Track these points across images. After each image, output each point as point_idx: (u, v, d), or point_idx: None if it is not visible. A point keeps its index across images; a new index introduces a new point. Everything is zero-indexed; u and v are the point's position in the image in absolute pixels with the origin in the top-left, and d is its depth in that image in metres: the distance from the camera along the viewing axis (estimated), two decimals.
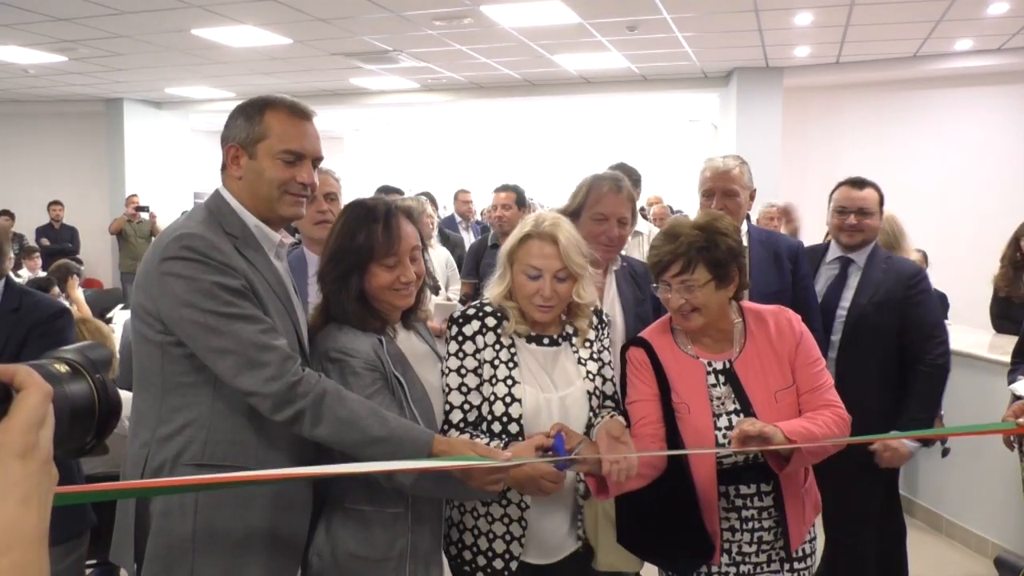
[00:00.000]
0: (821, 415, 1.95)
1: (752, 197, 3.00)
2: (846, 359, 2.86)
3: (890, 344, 2.88)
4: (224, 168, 1.82)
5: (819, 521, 2.21)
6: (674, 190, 11.39)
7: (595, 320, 2.16)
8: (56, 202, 10.93)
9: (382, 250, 1.86)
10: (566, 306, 2.09)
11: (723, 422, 1.99)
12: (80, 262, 8.32)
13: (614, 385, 2.16)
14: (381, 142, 15.59)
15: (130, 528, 1.72)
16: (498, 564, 1.99)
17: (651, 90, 10.46)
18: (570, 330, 2.11)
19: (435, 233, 4.60)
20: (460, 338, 2.03)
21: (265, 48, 8.15)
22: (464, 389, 2.00)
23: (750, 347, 2.04)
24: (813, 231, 5.49)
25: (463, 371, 2.00)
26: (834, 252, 3.07)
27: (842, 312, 2.92)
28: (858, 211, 2.97)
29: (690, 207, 8.57)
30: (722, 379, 2.03)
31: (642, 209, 8.67)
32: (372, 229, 1.87)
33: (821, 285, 3.01)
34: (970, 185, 8.94)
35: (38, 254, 8.78)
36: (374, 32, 7.60)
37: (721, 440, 1.98)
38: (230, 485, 1.65)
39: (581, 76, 10.02)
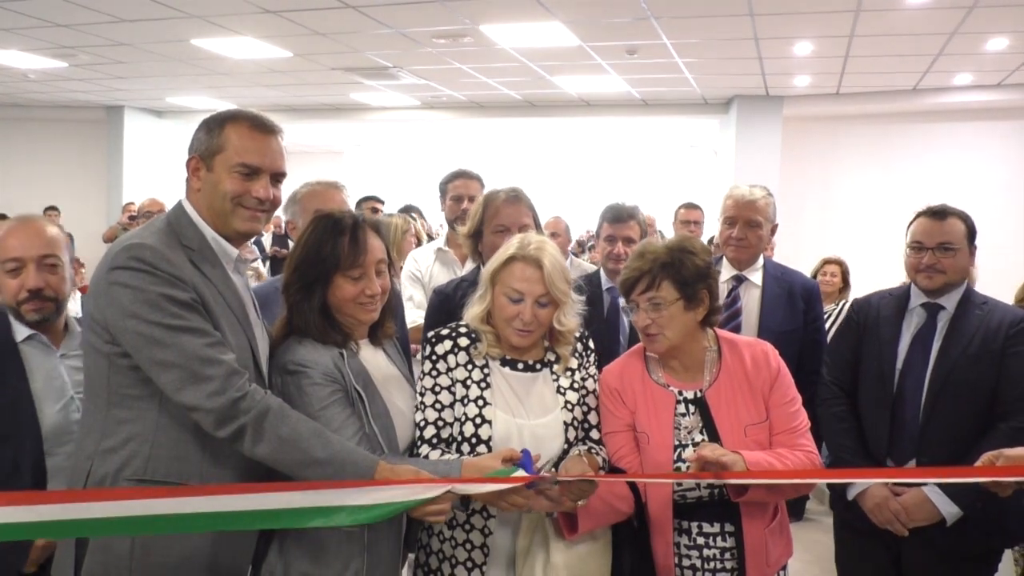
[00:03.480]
0: (792, 454, 1.90)
1: (773, 232, 2.92)
2: (934, 424, 2.35)
3: (986, 405, 2.34)
4: (187, 180, 1.81)
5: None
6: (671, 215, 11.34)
7: (579, 347, 2.10)
8: (52, 207, 10.89)
9: (347, 261, 1.84)
10: (547, 332, 2.04)
11: (688, 453, 1.93)
12: (82, 264, 8.30)
13: (598, 415, 2.11)
14: (381, 158, 15.60)
15: (71, 543, 1.67)
16: None
17: (651, 114, 10.47)
18: (552, 357, 2.06)
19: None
20: (433, 357, 2.00)
21: (265, 60, 8.16)
22: (438, 406, 1.96)
23: (723, 377, 1.99)
24: (810, 263, 5.45)
25: (437, 388, 1.97)
26: (918, 298, 2.48)
27: (929, 368, 2.40)
28: (939, 247, 2.41)
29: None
30: (692, 408, 1.98)
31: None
32: (338, 241, 1.84)
33: (907, 339, 2.45)
34: None
35: None
36: (374, 48, 7.61)
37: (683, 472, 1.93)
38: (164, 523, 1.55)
39: (581, 98, 10.04)
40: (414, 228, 4.40)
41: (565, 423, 1.99)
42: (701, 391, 1.99)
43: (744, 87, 9.02)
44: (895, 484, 2.35)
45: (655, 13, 6.14)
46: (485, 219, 2.60)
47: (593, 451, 2.03)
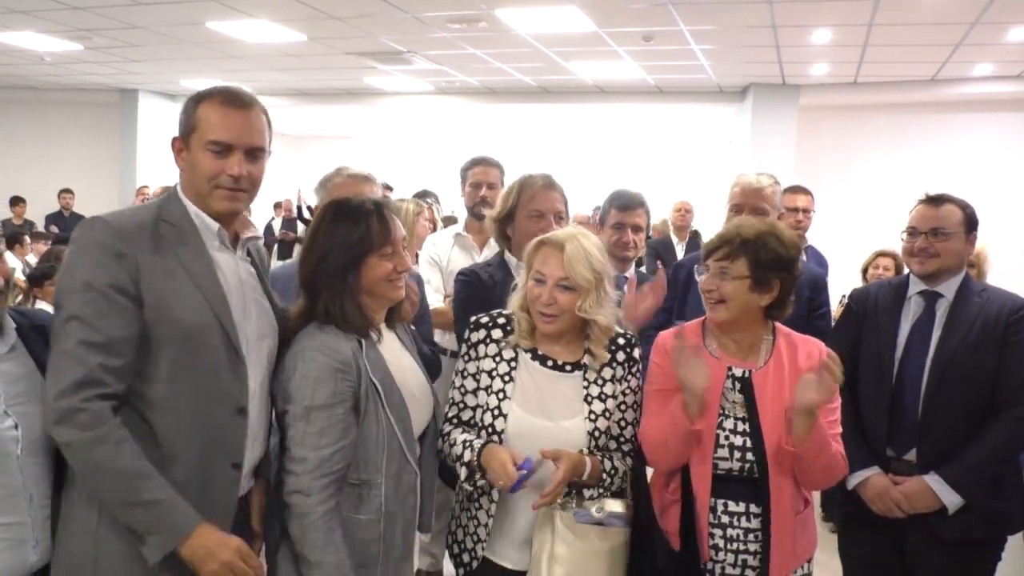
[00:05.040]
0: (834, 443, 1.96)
1: (779, 219, 2.91)
2: (934, 413, 2.35)
3: (987, 394, 2.34)
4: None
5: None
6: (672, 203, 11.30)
7: (621, 356, 2.07)
8: (66, 190, 10.96)
9: (379, 240, 1.85)
10: (584, 330, 2.04)
11: (728, 424, 1.99)
12: None
13: (633, 428, 2.09)
14: (393, 143, 15.59)
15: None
16: (466, 557, 2.07)
17: (666, 102, 10.40)
18: (588, 360, 2.05)
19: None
20: (468, 343, 2.10)
21: (280, 44, 8.15)
22: (463, 390, 2.07)
23: (773, 364, 2.03)
24: (823, 254, 5.41)
25: (465, 373, 2.08)
26: (916, 286, 2.49)
27: (929, 357, 2.38)
28: (932, 232, 2.42)
29: (700, 221, 8.50)
30: (737, 386, 2.01)
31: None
32: (368, 222, 1.85)
33: (905, 327, 2.46)
34: (986, 212, 8.79)
35: (49, 241, 8.78)
36: (389, 32, 7.58)
37: (722, 441, 1.98)
38: None
39: (596, 85, 9.98)
40: (427, 212, 4.38)
41: (588, 432, 1.98)
42: (750, 371, 2.02)
43: (760, 75, 8.94)
44: (895, 474, 2.38)
45: None
46: (520, 203, 2.61)
47: (611, 457, 2.03)
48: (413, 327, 2.27)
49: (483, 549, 2.03)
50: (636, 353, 2.10)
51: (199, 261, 1.71)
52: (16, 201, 10.64)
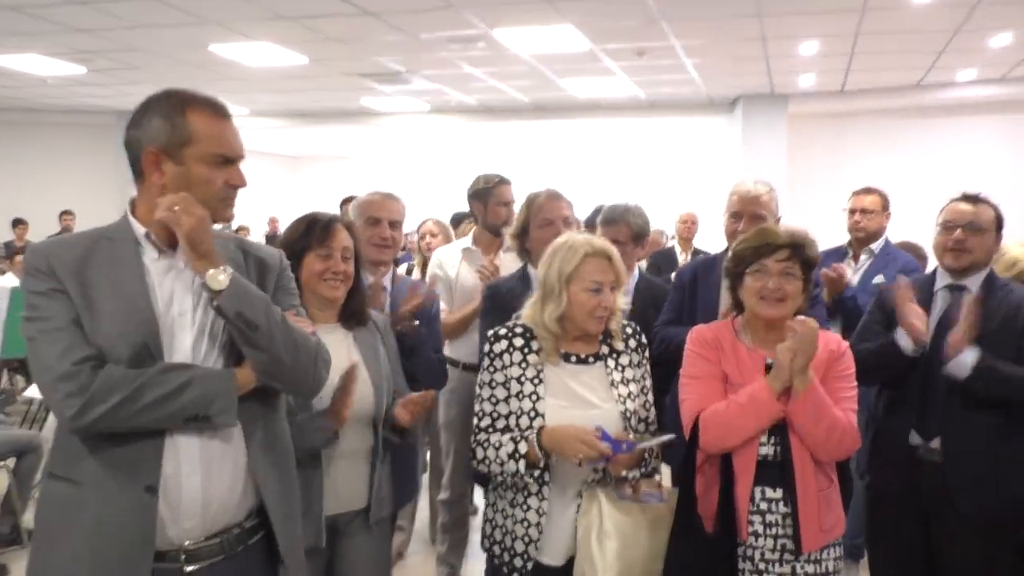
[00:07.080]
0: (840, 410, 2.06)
1: (776, 225, 3.04)
2: (956, 403, 2.42)
3: None
4: (140, 176, 1.66)
5: None
6: (677, 215, 11.45)
7: (632, 343, 2.23)
8: (67, 212, 11.02)
9: (317, 241, 2.18)
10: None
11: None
12: None
13: (656, 410, 2.24)
14: (388, 162, 15.71)
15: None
16: (518, 562, 2.10)
17: (657, 115, 10.59)
18: (605, 350, 2.18)
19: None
20: (491, 355, 2.16)
21: (281, 67, 8.27)
22: (493, 400, 2.13)
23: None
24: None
25: (493, 384, 2.14)
26: (943, 279, 2.59)
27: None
28: (967, 226, 2.51)
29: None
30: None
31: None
32: (312, 227, 2.21)
33: (933, 320, 2.53)
34: None
35: None
36: (388, 53, 7.73)
37: None
38: None
39: (589, 100, 10.14)
40: (427, 230, 4.44)
41: (620, 414, 2.10)
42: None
43: (750, 86, 9.14)
44: (920, 463, 2.48)
45: (665, 15, 6.26)
46: (530, 217, 2.85)
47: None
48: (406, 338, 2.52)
49: (535, 550, 2.07)
50: (644, 339, 2.27)
51: (124, 271, 1.62)
52: (18, 223, 10.72)
